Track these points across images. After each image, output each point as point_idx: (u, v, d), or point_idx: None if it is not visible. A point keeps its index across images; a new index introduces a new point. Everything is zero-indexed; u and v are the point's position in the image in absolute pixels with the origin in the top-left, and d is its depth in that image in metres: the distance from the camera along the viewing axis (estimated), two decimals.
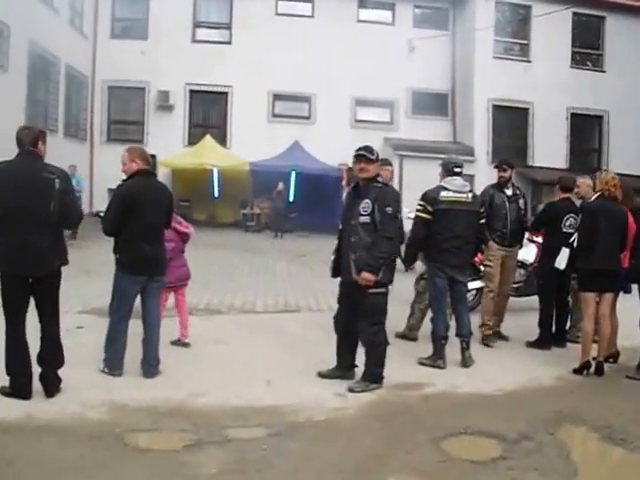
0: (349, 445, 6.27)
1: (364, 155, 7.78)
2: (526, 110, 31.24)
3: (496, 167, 11.01)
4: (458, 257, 8.99)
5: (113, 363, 7.77)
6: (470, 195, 9.06)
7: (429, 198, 8.98)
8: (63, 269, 7.00)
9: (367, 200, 7.65)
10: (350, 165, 29.94)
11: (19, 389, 6.73)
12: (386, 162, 10.43)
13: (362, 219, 7.65)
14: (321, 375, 8.12)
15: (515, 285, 12.31)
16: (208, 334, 9.93)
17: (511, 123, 31.43)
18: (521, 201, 10.80)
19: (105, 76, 30.95)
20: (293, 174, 29.07)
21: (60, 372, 7.04)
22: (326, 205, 28.88)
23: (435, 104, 32.75)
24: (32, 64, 24.41)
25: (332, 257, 8.22)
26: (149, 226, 7.61)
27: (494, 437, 6.59)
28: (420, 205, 8.97)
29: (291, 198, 29.41)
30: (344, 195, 28.36)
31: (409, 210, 23.38)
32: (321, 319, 11.28)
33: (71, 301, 11.22)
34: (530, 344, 10.38)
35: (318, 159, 29.42)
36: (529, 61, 31.08)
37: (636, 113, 30.95)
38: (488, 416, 7.14)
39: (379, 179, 7.92)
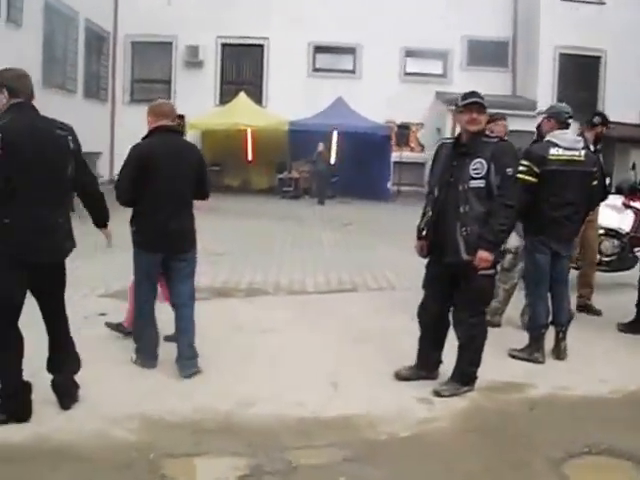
0: (447, 472, 5.20)
1: (476, 102, 6.47)
2: (598, 59, 29.82)
3: (592, 123, 9.80)
4: (567, 228, 7.83)
5: (145, 353, 6.98)
6: (584, 152, 7.83)
7: (536, 157, 7.71)
8: (77, 245, 6.03)
9: (480, 159, 6.38)
10: (397, 122, 29.81)
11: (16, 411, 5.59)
12: (500, 116, 9.22)
13: (474, 183, 6.38)
14: (399, 376, 6.99)
15: (607, 258, 11.21)
16: (254, 321, 8.86)
17: (580, 74, 30.00)
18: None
19: (128, 31, 30.03)
20: (335, 133, 27.81)
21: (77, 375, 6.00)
22: (372, 167, 27.95)
23: (493, 54, 31.23)
24: (48, 19, 23.47)
25: (423, 231, 6.92)
26: (170, 193, 6.63)
27: (628, 458, 5.49)
28: (524, 166, 7.55)
29: (332, 160, 28.24)
30: (392, 156, 28.24)
31: None
32: (383, 300, 10.43)
33: (90, 283, 10.35)
34: (623, 327, 9.19)
35: (364, 116, 28.17)
36: (602, 3, 29.46)
37: None
38: (613, 428, 5.99)
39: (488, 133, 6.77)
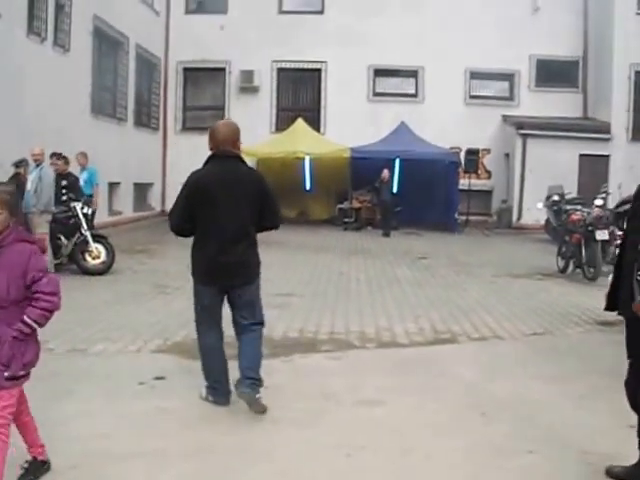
0: None
1: None
2: None
3: None
4: None
5: (215, 388, 6.45)
6: None
7: None
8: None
9: None
10: (462, 147, 27.93)
11: None
12: None
13: None
14: (613, 475, 5.00)
15: None
16: (347, 388, 7.02)
17: None
18: None
19: (180, 56, 28.91)
20: (397, 161, 26.00)
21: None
22: (438, 196, 26.21)
23: (563, 74, 29.36)
24: (97, 44, 22.39)
25: (609, 279, 5.15)
26: (225, 224, 6.17)
27: None
28: None
29: (394, 189, 26.26)
30: (460, 182, 26.34)
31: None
32: (495, 354, 8.73)
33: (144, 332, 8.68)
34: None
35: (428, 142, 26.42)
36: None
37: None
38: None
39: None
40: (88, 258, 13.79)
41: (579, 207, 17.19)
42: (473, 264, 17.18)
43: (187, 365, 7.33)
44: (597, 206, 15.68)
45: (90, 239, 13.70)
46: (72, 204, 13.92)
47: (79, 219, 13.71)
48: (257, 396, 6.15)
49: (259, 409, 6.12)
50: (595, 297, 11.94)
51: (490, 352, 8.75)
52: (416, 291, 13.07)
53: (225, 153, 6.26)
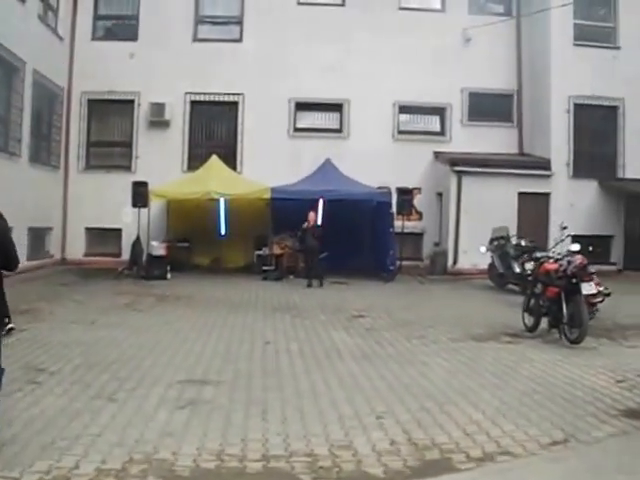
0: None
1: None
2: (615, 109, 25.11)
3: None
4: None
5: None
6: None
7: None
8: None
9: None
10: (391, 186, 24.75)
11: None
12: None
13: None
14: None
15: None
16: None
17: (596, 126, 25.50)
18: None
19: (85, 87, 25.18)
20: (320, 202, 22.54)
21: None
22: (365, 240, 22.96)
23: (497, 108, 26.62)
24: None
25: None
26: None
27: None
28: None
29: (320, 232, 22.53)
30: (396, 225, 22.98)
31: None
32: None
33: None
34: None
35: (355, 180, 23.29)
36: (617, 47, 24.98)
37: None
38: None
39: None
40: None
41: (544, 253, 14.03)
42: (420, 323, 13.85)
43: None
44: (573, 251, 12.56)
45: None
46: None
47: None
48: None
49: None
50: (592, 368, 9.89)
51: None
52: (365, 369, 9.59)
53: None
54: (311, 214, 21.40)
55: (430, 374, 9.27)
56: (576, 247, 12.65)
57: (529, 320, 12.86)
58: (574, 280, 11.59)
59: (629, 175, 24.83)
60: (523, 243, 19.93)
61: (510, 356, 10.66)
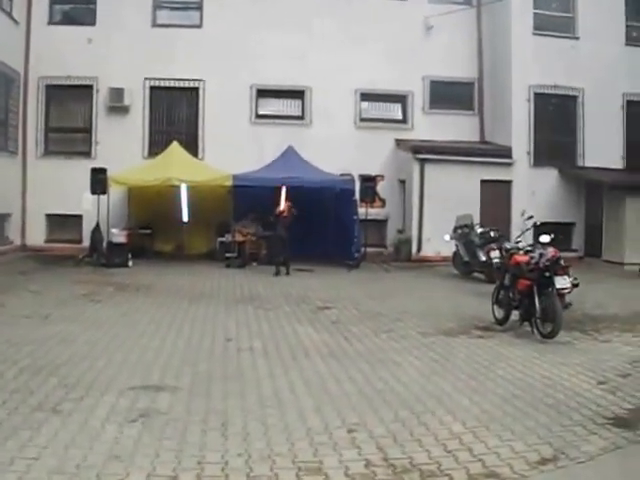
0: None
1: None
2: (574, 98, 24.44)
3: None
4: None
5: None
6: None
7: None
8: None
9: None
10: (353, 173, 23.96)
11: None
12: None
13: None
14: None
15: None
16: None
17: (557, 115, 24.93)
18: None
19: (42, 72, 23.85)
20: (283, 189, 21.55)
21: None
22: (329, 227, 22.09)
23: (458, 96, 25.80)
24: None
25: None
26: None
27: None
28: None
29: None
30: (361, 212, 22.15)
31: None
32: None
33: None
34: None
35: (317, 167, 22.41)
36: (576, 38, 24.28)
37: None
38: None
39: None
40: None
41: (513, 244, 13.14)
42: (388, 315, 12.99)
43: None
44: (544, 243, 11.76)
45: None
46: None
47: None
48: None
49: None
50: (570, 366, 9.09)
51: None
52: (333, 369, 8.71)
53: None
54: (284, 203, 20.34)
55: (403, 376, 8.40)
56: (546, 239, 11.85)
57: (499, 313, 12.07)
58: (547, 274, 10.79)
59: (588, 163, 24.27)
60: (490, 232, 19.16)
61: (484, 353, 9.83)
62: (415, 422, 6.61)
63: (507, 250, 12.45)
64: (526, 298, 11.12)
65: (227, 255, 21.52)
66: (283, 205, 20.26)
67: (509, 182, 23.72)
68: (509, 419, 6.79)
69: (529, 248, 11.95)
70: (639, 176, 23.11)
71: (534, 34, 23.96)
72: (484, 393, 7.73)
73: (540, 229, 13.30)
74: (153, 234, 22.87)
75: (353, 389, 7.77)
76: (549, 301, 10.62)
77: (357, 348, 10.03)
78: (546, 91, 24.24)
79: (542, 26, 24.19)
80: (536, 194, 23.30)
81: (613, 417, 6.91)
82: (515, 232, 20.06)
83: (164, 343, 9.93)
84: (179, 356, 9.16)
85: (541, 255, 11.02)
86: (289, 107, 25.36)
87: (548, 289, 10.76)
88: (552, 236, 11.85)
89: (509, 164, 23.67)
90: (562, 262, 11.21)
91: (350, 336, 10.91)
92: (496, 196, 23.12)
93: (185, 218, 23.05)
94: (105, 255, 20.72)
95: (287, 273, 19.43)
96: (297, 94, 25.09)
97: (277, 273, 19.36)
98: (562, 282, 10.80)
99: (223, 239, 22.39)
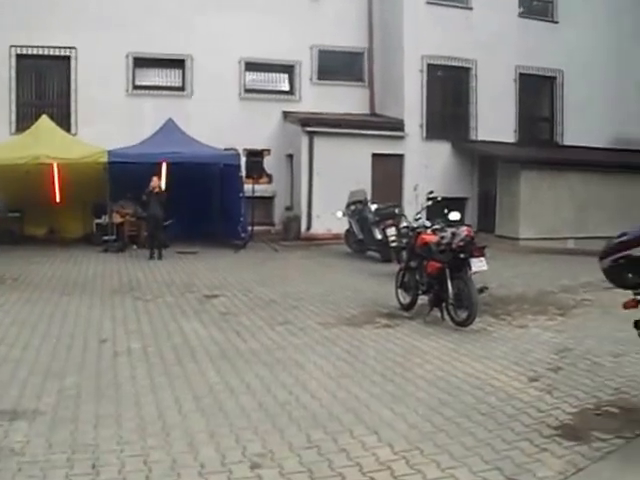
0: None
1: None
2: (468, 70, 23.64)
3: None
4: None
5: None
6: None
7: None
8: None
9: None
10: (238, 148, 22.53)
11: None
12: None
13: None
14: None
15: None
16: None
17: (450, 88, 24.22)
18: None
19: None
20: (164, 165, 19.99)
21: None
22: (213, 205, 20.71)
23: (347, 66, 24.73)
24: None
25: None
26: None
27: None
28: None
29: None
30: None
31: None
32: None
33: None
34: None
35: (200, 142, 20.73)
36: (470, 8, 23.46)
37: (596, 72, 24.20)
38: None
39: None
40: None
41: (420, 222, 11.97)
42: (283, 303, 11.68)
43: None
44: (454, 220, 10.68)
45: None
46: None
47: None
48: None
49: None
50: (493, 360, 8.08)
51: None
52: (226, 376, 7.29)
53: None
54: (155, 179, 18.75)
55: (308, 382, 7.09)
56: (456, 216, 10.79)
57: (404, 297, 10.93)
58: (462, 255, 9.66)
59: (481, 137, 23.63)
60: (387, 209, 18.06)
61: (395, 347, 8.64)
62: (332, 447, 5.32)
63: (413, 229, 11.30)
64: (436, 282, 10.00)
65: (105, 238, 19.77)
66: (155, 180, 18.68)
67: (401, 156, 22.83)
68: (442, 436, 5.60)
69: (437, 227, 10.84)
70: (533, 150, 22.73)
71: (427, 3, 23.09)
72: (406, 400, 6.52)
73: (440, 205, 12.32)
74: (23, 217, 20.85)
75: (252, 403, 6.40)
76: (464, 286, 9.52)
77: (251, 346, 8.67)
78: (439, 62, 23.38)
79: None
80: (429, 168, 22.49)
81: (559, 426, 5.85)
82: (407, 207, 19.22)
83: (26, 351, 8.22)
84: (44, 366, 7.53)
85: (454, 235, 9.88)
86: (169, 77, 23.52)
87: (462, 272, 9.67)
88: (445, 211, 10.89)
89: (401, 137, 22.75)
90: (478, 243, 10.15)
91: (242, 330, 9.54)
92: (388, 170, 22.24)
93: (58, 199, 21.04)
94: None
95: (159, 257, 17.87)
96: (177, 63, 23.27)
97: (151, 256, 17.81)
98: (479, 264, 9.69)
99: (100, 221, 20.70)
